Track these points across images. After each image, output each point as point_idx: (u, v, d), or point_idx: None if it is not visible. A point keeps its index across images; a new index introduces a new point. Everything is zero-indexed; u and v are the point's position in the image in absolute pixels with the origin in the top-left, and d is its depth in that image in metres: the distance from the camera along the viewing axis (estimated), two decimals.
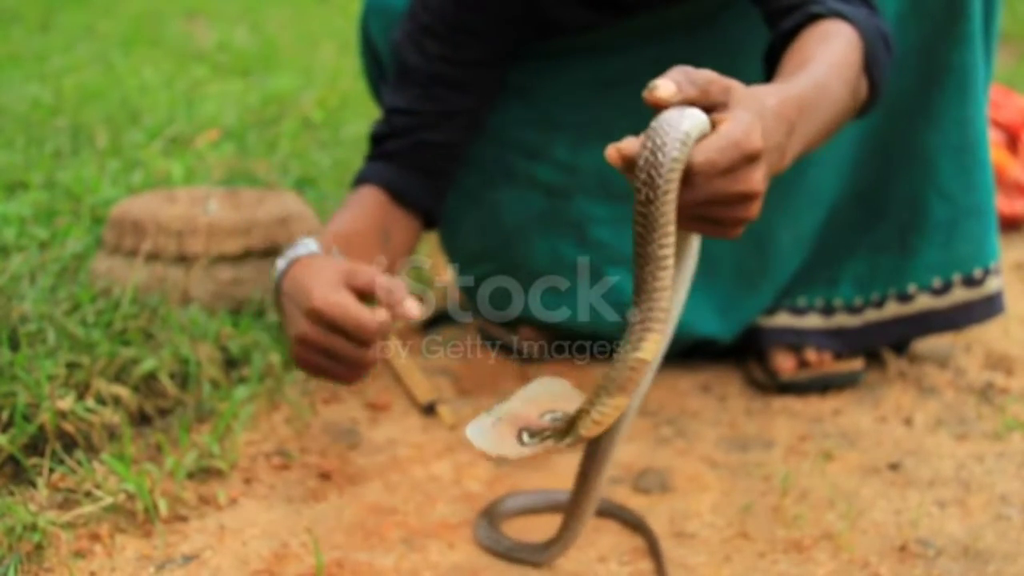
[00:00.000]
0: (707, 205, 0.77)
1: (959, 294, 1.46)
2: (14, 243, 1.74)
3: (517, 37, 1.44)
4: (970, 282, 1.46)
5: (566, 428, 0.81)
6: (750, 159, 0.77)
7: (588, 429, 0.80)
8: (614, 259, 1.50)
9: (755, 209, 0.81)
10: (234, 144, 2.55)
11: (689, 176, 0.74)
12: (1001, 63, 3.55)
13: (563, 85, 1.50)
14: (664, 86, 0.75)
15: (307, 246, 1.14)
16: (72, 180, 2.08)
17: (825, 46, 1.05)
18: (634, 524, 1.16)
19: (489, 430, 0.84)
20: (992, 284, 1.46)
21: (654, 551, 1.10)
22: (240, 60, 3.79)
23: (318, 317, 1.00)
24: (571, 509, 1.03)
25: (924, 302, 1.48)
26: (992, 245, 1.46)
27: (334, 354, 1.03)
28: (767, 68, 1.13)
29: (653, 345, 0.76)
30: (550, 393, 0.86)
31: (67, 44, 4.04)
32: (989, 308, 1.47)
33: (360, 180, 1.37)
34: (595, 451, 0.99)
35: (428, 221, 1.43)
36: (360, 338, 1.00)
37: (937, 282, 1.46)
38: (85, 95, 3.01)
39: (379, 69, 1.57)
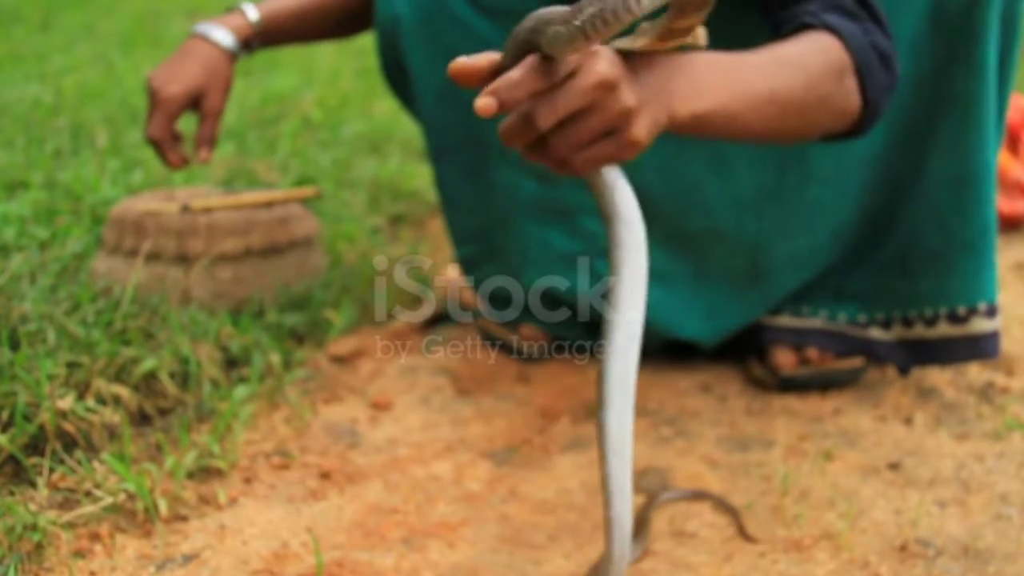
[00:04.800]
0: None
1: (943, 328, 1.43)
2: (14, 243, 1.74)
3: None
4: (953, 318, 1.42)
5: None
6: None
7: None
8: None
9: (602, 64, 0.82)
10: (234, 144, 2.55)
11: None
12: None
13: None
14: None
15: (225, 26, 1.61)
16: (72, 180, 2.09)
17: (783, 44, 1.05)
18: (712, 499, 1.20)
19: None
20: (977, 325, 1.41)
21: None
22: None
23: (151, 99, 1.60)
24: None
25: (919, 330, 1.46)
26: (984, 285, 1.40)
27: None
28: None
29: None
30: None
31: (67, 44, 4.04)
32: (975, 349, 1.42)
33: None
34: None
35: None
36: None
37: (928, 312, 1.44)
38: (85, 95, 3.01)
39: (400, 72, 1.56)
